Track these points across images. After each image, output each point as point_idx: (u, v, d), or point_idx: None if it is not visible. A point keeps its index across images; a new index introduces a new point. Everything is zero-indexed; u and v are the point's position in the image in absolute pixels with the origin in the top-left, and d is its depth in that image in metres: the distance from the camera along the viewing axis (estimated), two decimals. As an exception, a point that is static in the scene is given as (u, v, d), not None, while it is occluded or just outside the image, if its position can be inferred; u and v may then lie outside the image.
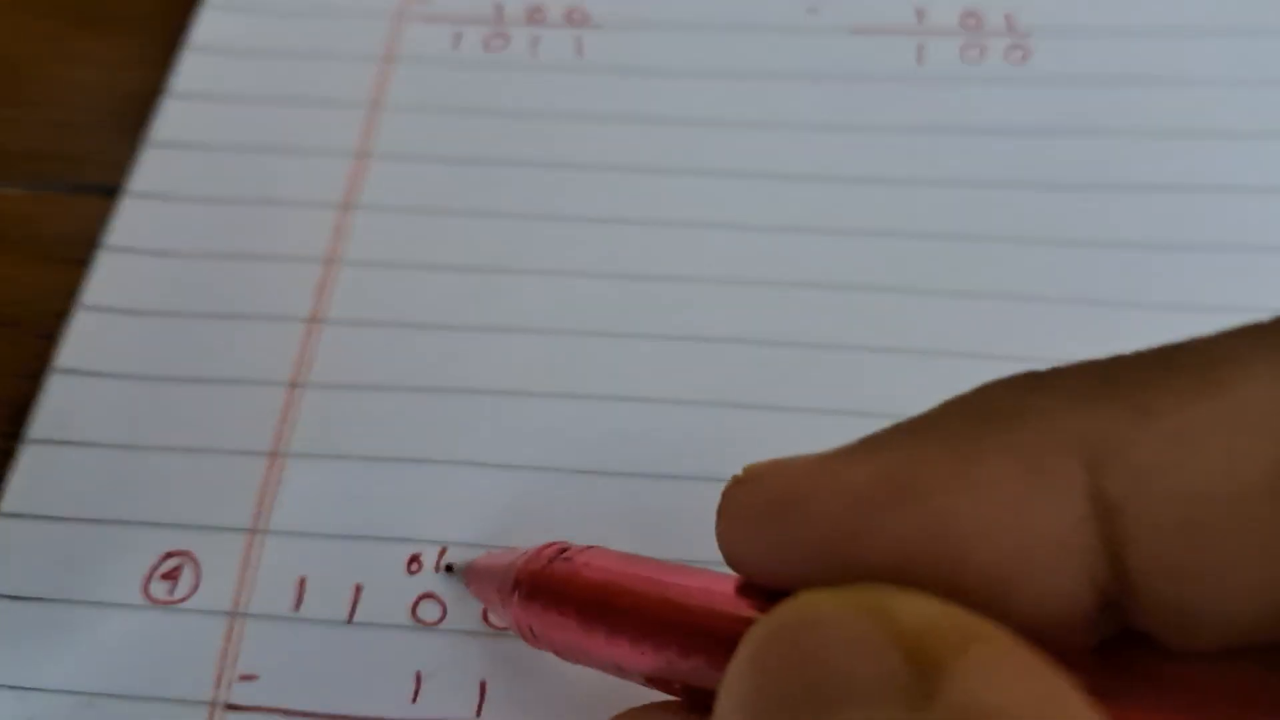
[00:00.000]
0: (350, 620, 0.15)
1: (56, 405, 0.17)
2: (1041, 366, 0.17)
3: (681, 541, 0.13)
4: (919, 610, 0.07)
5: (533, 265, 0.18)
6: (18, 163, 0.20)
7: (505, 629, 0.15)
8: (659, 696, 0.10)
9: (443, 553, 0.15)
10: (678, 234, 0.18)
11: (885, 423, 0.16)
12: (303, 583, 0.15)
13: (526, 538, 0.15)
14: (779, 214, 0.18)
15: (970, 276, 0.17)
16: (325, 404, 0.17)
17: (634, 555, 0.11)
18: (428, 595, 0.15)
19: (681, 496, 0.16)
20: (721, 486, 0.10)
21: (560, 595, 0.11)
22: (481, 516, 0.16)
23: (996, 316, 0.17)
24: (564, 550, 0.11)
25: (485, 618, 0.15)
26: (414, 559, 0.15)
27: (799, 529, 0.09)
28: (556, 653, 0.12)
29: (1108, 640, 0.08)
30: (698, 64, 0.20)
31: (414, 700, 0.14)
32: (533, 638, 0.12)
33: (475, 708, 0.14)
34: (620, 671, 0.10)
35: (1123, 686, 0.08)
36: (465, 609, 0.15)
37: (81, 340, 0.17)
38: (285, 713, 0.14)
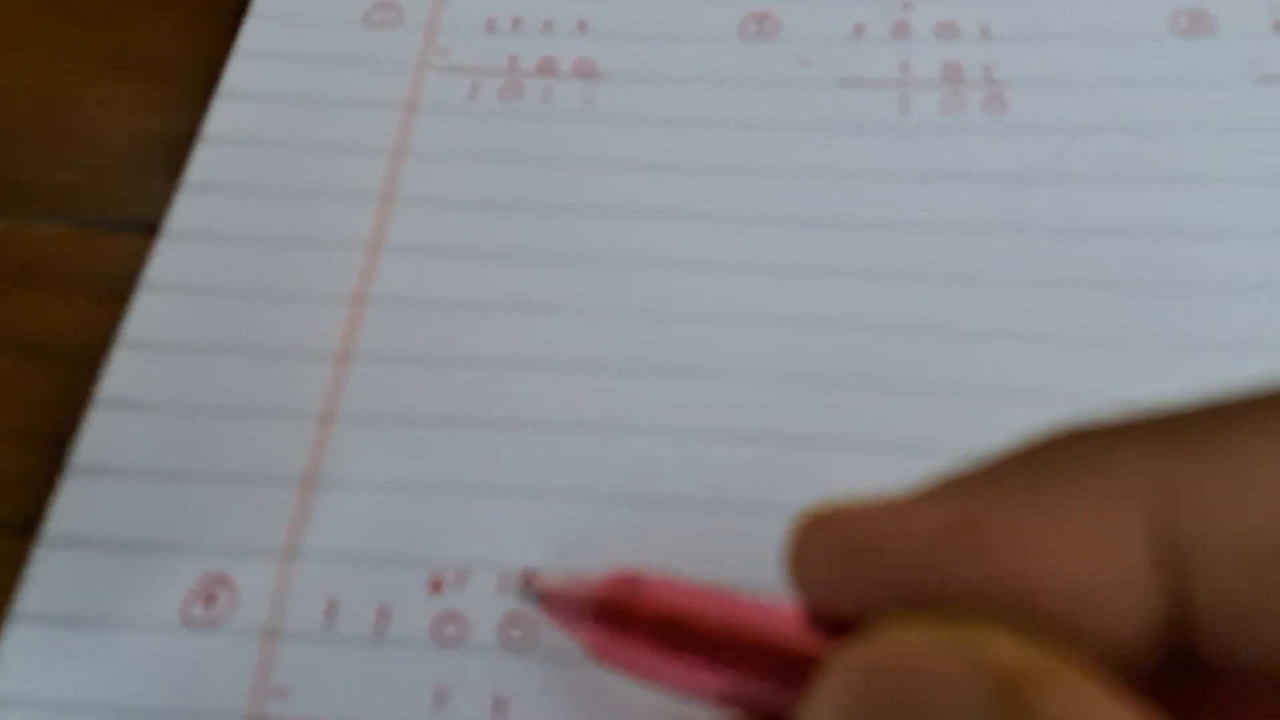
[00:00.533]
0: (377, 639, 0.16)
1: (97, 436, 0.18)
2: (1017, 400, 0.18)
3: (704, 566, 0.14)
4: (1008, 650, 0.08)
5: (547, 302, 0.19)
6: (59, 200, 0.21)
7: (525, 648, 0.16)
8: (698, 714, 0.11)
9: (525, 575, 0.16)
10: (677, 273, 0.19)
11: (865, 456, 0.17)
12: (333, 604, 0.16)
13: (539, 559, 0.16)
14: (774, 255, 0.19)
15: (952, 315, 0.18)
16: (354, 435, 0.18)
17: (707, 585, 0.11)
18: (449, 615, 0.16)
19: (699, 525, 0.16)
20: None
21: (635, 621, 0.11)
22: (497, 539, 0.17)
23: (977, 353, 0.18)
24: (636, 579, 0.12)
25: (503, 636, 0.16)
26: (436, 581, 0.16)
27: (876, 569, 0.09)
28: (629, 675, 0.12)
29: (1172, 669, 0.09)
30: (698, 114, 0.21)
31: (436, 713, 0.15)
32: (607, 660, 0.12)
33: (494, 718, 0.15)
34: (693, 692, 0.11)
35: (1187, 712, 0.08)
36: (484, 629, 0.16)
37: (121, 373, 0.18)
38: (316, 725, 0.15)
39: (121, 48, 0.23)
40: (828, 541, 0.10)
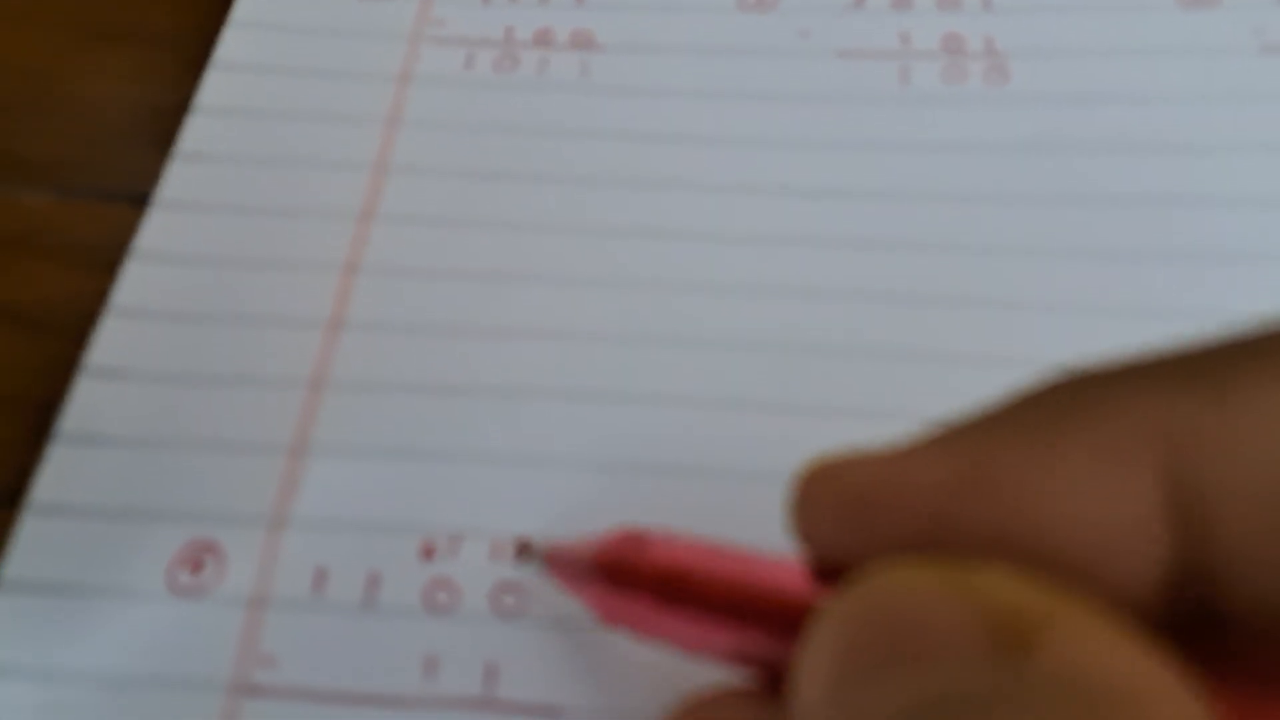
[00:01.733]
0: (366, 608, 0.16)
1: (85, 404, 0.17)
2: (1020, 368, 0.18)
3: (699, 533, 0.14)
4: (1006, 585, 0.08)
5: (539, 272, 0.19)
6: (46, 171, 0.21)
7: (517, 615, 0.15)
8: (692, 678, 0.11)
9: (521, 542, 0.16)
10: (674, 244, 0.19)
11: (864, 423, 0.17)
12: (322, 571, 0.16)
13: (531, 527, 0.16)
14: (772, 226, 0.19)
15: (953, 285, 0.18)
16: (344, 403, 0.17)
17: (709, 541, 0.11)
18: (441, 582, 0.16)
19: (693, 492, 0.16)
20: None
21: (637, 579, 0.11)
22: (490, 507, 0.16)
23: (979, 322, 0.18)
24: (640, 537, 0.12)
25: (494, 603, 0.16)
26: (428, 548, 0.16)
27: (882, 521, 0.09)
28: (635, 633, 0.12)
29: (1187, 620, 0.08)
30: (695, 85, 0.21)
31: (427, 681, 0.15)
32: (611, 618, 0.12)
33: (485, 688, 0.15)
34: (697, 650, 0.11)
35: (1200, 663, 0.08)
36: (475, 595, 0.16)
37: (110, 342, 0.18)
38: (303, 693, 0.15)
39: (113, 18, 0.23)
40: (832, 493, 0.09)
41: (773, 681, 0.10)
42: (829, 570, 0.10)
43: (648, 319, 0.18)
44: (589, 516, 0.16)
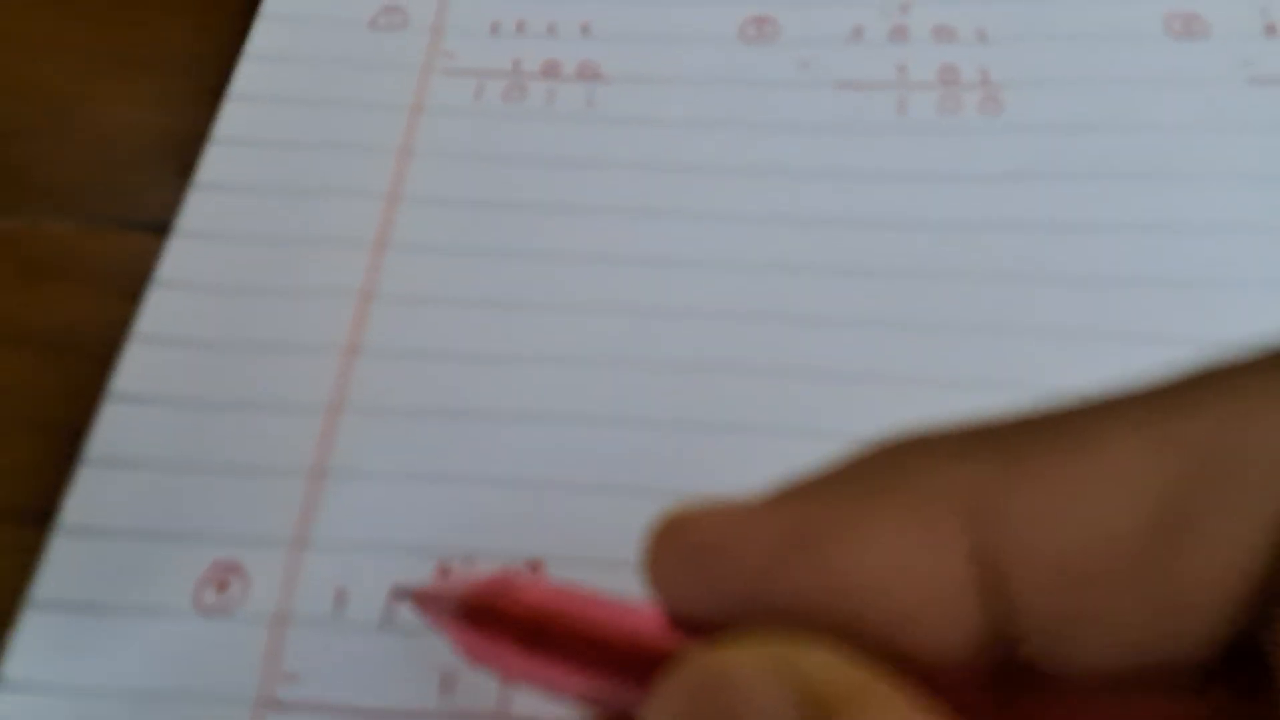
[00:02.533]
0: (385, 626, 0.16)
1: (111, 428, 0.18)
2: (1013, 394, 0.18)
3: None
4: (822, 668, 0.08)
5: (549, 300, 0.19)
6: (71, 198, 0.21)
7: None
8: None
9: (397, 588, 0.16)
10: (677, 272, 0.19)
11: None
12: (342, 592, 0.17)
13: (542, 548, 0.17)
14: (771, 253, 0.19)
15: (948, 311, 0.19)
16: (362, 427, 0.18)
17: (575, 588, 0.11)
18: (456, 602, 0.16)
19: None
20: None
21: (499, 623, 0.12)
22: (503, 529, 0.17)
23: (974, 349, 0.18)
24: (506, 581, 0.12)
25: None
26: (444, 569, 0.17)
27: (718, 574, 0.09)
28: (497, 675, 0.12)
29: (1007, 668, 0.09)
30: (698, 115, 0.21)
31: (444, 697, 0.16)
32: (476, 660, 0.13)
33: (499, 701, 0.15)
34: (554, 692, 0.11)
35: (1016, 715, 0.08)
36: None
37: (134, 367, 0.19)
38: (325, 709, 0.16)
39: (132, 46, 0.23)
40: (678, 545, 0.10)
41: None
42: (683, 622, 0.10)
43: (655, 345, 0.19)
44: (601, 537, 0.17)
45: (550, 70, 0.22)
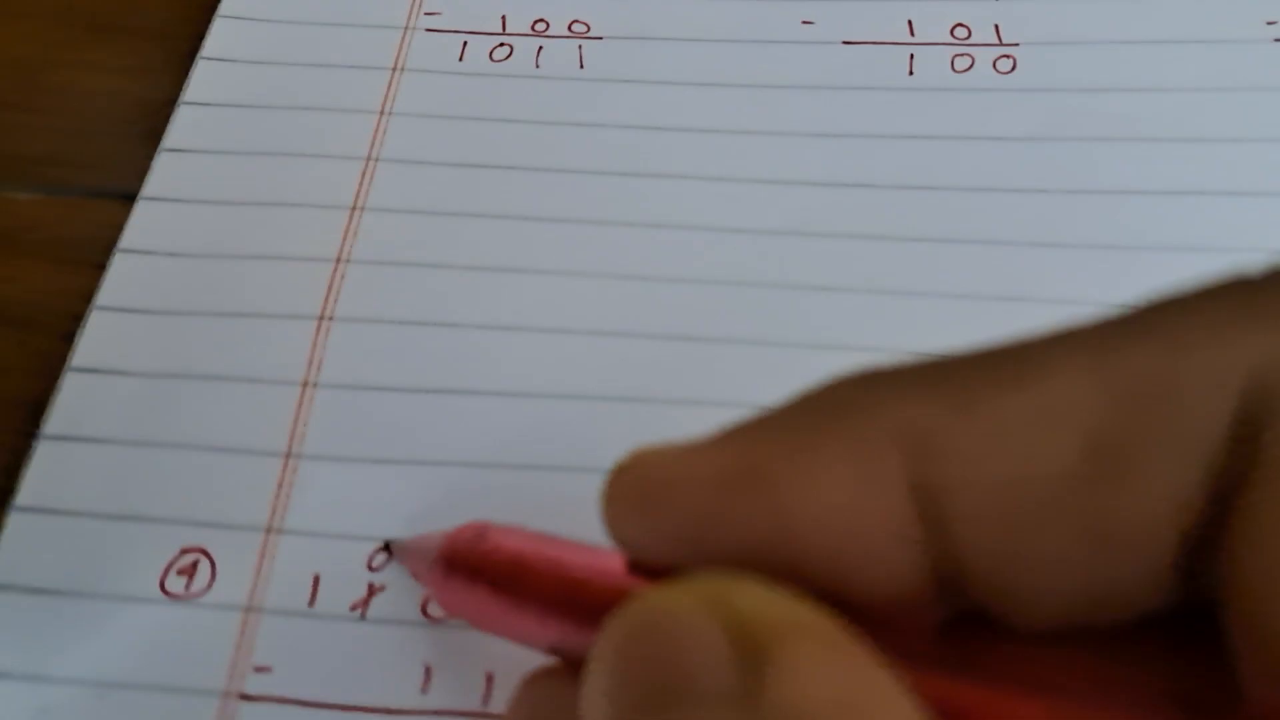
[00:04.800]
0: (363, 616, 0.15)
1: (72, 403, 0.17)
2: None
3: None
4: (754, 600, 0.08)
5: (535, 266, 0.18)
6: (34, 167, 0.20)
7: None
8: None
9: (383, 544, 0.16)
10: (673, 237, 0.19)
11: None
12: (317, 579, 0.16)
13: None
14: (772, 218, 0.19)
15: (961, 278, 0.18)
16: (337, 404, 0.17)
17: (549, 535, 0.11)
18: (438, 589, 0.15)
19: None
20: None
21: (475, 571, 0.12)
22: (491, 515, 0.16)
23: (989, 317, 0.18)
24: (483, 530, 0.12)
25: (423, 610, 0.15)
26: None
27: (666, 514, 0.09)
28: (473, 624, 0.12)
29: (957, 617, 0.09)
30: (695, 74, 0.20)
31: (423, 692, 0.15)
32: (453, 609, 0.13)
33: (483, 699, 0.15)
34: (529, 641, 0.11)
35: (962, 663, 0.08)
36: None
37: (97, 339, 0.18)
38: (297, 703, 0.15)
39: (101, 11, 0.22)
40: (629, 485, 0.09)
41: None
42: (644, 566, 0.10)
43: (647, 314, 0.18)
44: (588, 520, 0.16)
45: (538, 27, 0.21)
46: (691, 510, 0.09)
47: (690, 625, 0.08)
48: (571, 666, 0.10)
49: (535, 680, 0.11)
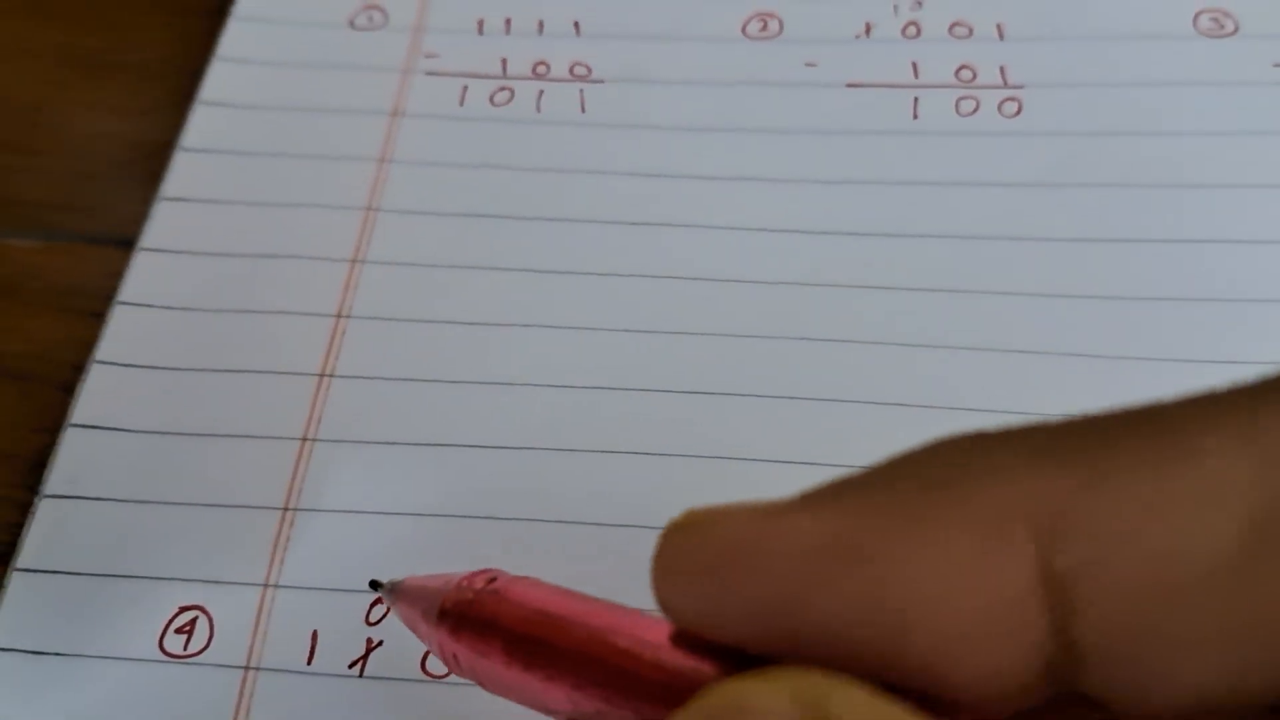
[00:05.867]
0: (361, 674, 0.15)
1: (72, 460, 0.17)
2: (1032, 419, 0.17)
3: None
4: (857, 709, 0.07)
5: (537, 319, 0.18)
6: (31, 212, 0.20)
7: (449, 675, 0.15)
8: None
9: (373, 581, 0.14)
10: (676, 287, 0.18)
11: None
12: (315, 636, 0.16)
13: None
14: (777, 267, 0.18)
15: (965, 329, 0.18)
16: (336, 460, 0.17)
17: (568, 590, 0.10)
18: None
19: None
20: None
21: (488, 627, 0.11)
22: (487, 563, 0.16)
23: (991, 368, 0.17)
24: (494, 579, 0.11)
25: (423, 666, 0.15)
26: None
27: (741, 584, 0.08)
28: (481, 685, 0.11)
29: (1055, 701, 0.08)
30: (698, 118, 0.20)
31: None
32: (457, 667, 0.11)
33: (482, 758, 0.15)
34: (544, 709, 0.10)
35: None
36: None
37: (97, 395, 0.18)
38: (298, 762, 0.15)
39: (100, 51, 0.22)
40: (694, 549, 0.09)
41: None
42: (695, 638, 0.09)
43: (651, 365, 0.18)
44: (591, 573, 0.16)
45: (539, 70, 0.21)
46: (776, 583, 0.08)
47: None
48: None
49: None
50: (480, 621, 0.11)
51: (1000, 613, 0.08)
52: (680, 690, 0.09)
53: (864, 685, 0.07)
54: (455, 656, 0.11)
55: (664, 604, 0.09)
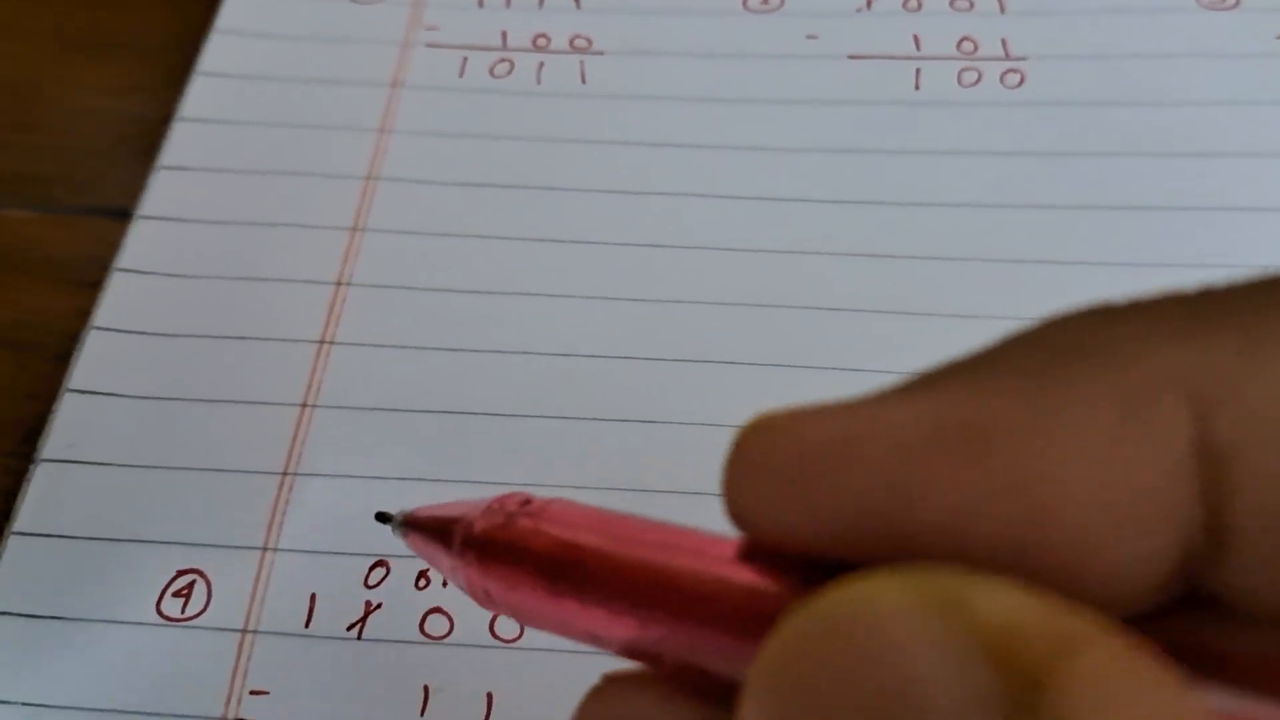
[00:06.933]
0: (360, 636, 0.15)
1: (69, 425, 0.17)
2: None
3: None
4: (1005, 605, 0.06)
5: (538, 287, 0.18)
6: (29, 186, 0.20)
7: (515, 641, 0.15)
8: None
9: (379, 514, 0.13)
10: (676, 256, 0.18)
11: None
12: (313, 599, 0.15)
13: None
14: (778, 237, 0.18)
15: (967, 298, 0.18)
16: (335, 424, 0.17)
17: (608, 510, 0.09)
18: (436, 610, 0.15)
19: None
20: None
21: (524, 554, 0.09)
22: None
23: (995, 336, 0.17)
24: (527, 501, 0.10)
25: (491, 629, 0.15)
26: (422, 575, 0.16)
27: (839, 485, 0.07)
28: (518, 619, 0.10)
29: (1164, 606, 0.07)
30: (698, 89, 0.20)
31: (422, 713, 0.14)
32: (489, 601, 0.10)
33: (483, 719, 0.14)
34: (595, 641, 0.09)
35: (1195, 661, 0.07)
36: (473, 623, 0.15)
37: (94, 361, 0.18)
38: (296, 726, 0.15)
39: (96, 29, 0.22)
40: (777, 448, 0.07)
41: (688, 680, 0.08)
42: (773, 554, 0.08)
43: (650, 334, 0.17)
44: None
45: (539, 42, 0.21)
46: (881, 479, 0.07)
47: (911, 633, 0.06)
48: (659, 674, 0.08)
49: (607, 692, 0.09)
50: (515, 548, 0.09)
51: (1148, 495, 0.07)
52: (754, 610, 0.08)
53: (1007, 579, 0.06)
54: (486, 591, 0.10)
55: (739, 513, 0.08)
